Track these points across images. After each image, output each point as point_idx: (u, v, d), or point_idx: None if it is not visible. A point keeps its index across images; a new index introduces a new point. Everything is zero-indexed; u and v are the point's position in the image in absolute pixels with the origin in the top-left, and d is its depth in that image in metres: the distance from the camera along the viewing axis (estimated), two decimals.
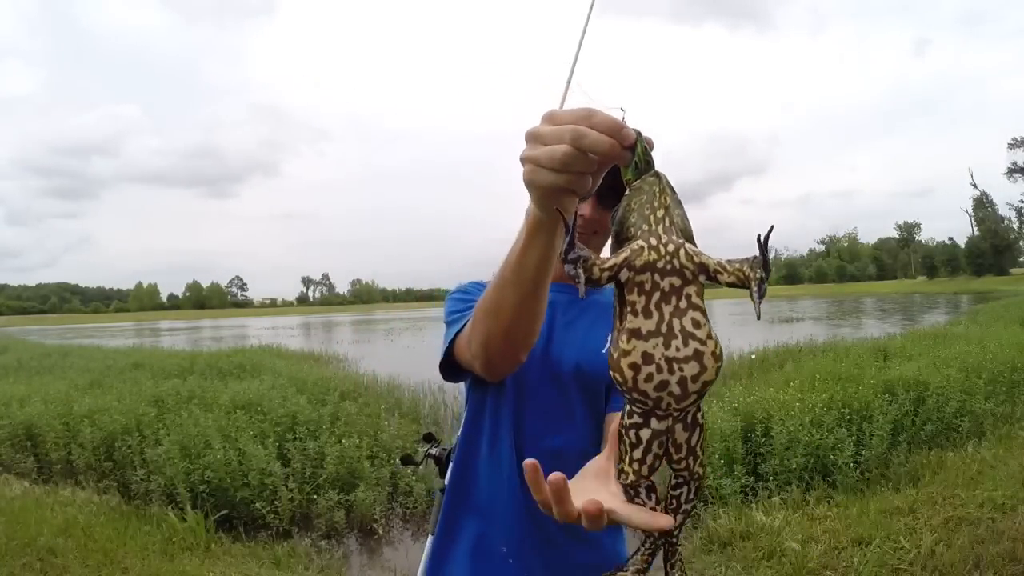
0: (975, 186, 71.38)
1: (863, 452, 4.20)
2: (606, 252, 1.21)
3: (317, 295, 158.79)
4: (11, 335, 28.30)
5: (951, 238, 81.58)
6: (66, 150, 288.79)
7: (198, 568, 3.30)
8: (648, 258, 0.49)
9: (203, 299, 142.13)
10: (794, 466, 4.08)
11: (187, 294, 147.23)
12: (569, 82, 1.46)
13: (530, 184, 0.59)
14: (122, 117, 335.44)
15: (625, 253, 0.50)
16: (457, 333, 1.01)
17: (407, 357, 15.34)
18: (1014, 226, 68.82)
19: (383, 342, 21.83)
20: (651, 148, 0.54)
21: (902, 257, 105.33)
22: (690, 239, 0.51)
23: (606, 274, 0.50)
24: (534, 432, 1.09)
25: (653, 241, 0.50)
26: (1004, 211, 69.36)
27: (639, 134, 0.53)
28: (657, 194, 0.51)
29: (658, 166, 0.54)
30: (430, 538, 1.20)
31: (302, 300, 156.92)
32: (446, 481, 1.19)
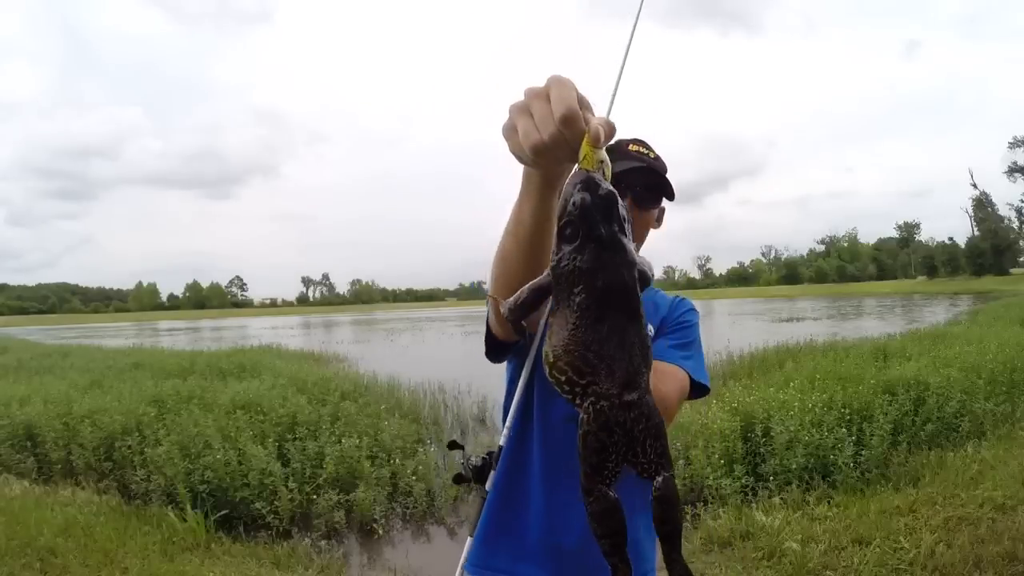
0: (975, 186, 71.34)
1: (863, 452, 4.20)
2: (643, 249, 1.21)
3: (317, 295, 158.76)
4: (11, 335, 28.27)
5: (951, 238, 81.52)
6: (68, 152, 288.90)
7: (198, 568, 3.30)
8: None
9: (203, 299, 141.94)
10: (794, 466, 4.07)
11: (187, 294, 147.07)
12: (616, 91, 1.44)
13: (518, 156, 0.62)
14: (123, 120, 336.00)
15: None
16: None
17: (407, 357, 15.34)
18: (1014, 226, 68.77)
19: (383, 342, 21.81)
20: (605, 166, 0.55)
21: (902, 257, 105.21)
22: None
23: None
24: (542, 400, 1.08)
25: None
26: (1004, 211, 69.40)
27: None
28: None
29: None
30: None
31: (302, 300, 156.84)
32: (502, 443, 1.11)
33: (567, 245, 0.51)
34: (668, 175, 1.19)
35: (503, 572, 1.09)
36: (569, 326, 0.50)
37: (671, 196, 1.16)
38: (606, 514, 0.51)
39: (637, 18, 1.39)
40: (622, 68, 1.36)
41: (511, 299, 0.57)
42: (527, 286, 0.55)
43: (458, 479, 1.22)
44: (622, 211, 0.52)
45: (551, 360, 0.52)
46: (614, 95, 1.38)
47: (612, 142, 1.13)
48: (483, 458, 1.17)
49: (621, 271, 0.50)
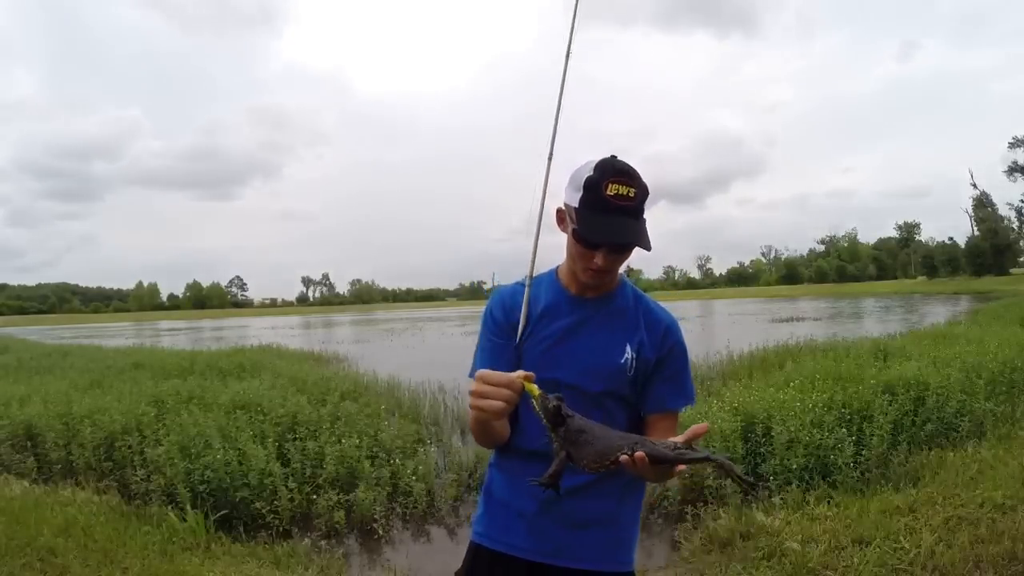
0: (975, 186, 71.08)
1: (863, 452, 4.20)
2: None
3: (317, 295, 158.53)
4: (11, 335, 28.27)
5: (951, 238, 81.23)
6: (68, 152, 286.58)
7: (198, 568, 3.30)
8: None
9: (203, 299, 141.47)
10: (794, 466, 4.08)
11: (187, 294, 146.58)
12: (562, 86, 1.46)
13: (483, 422, 1.17)
14: (124, 120, 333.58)
15: None
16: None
17: (407, 357, 15.33)
18: (1014, 226, 68.58)
19: (383, 342, 21.81)
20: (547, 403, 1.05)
21: (902, 257, 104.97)
22: None
23: None
24: (530, 435, 1.23)
25: None
26: (1004, 211, 69.16)
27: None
28: None
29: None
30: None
31: (302, 300, 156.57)
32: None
33: (560, 428, 1.03)
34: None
35: (486, 538, 1.34)
36: (582, 450, 1.03)
37: (646, 247, 1.17)
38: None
39: (573, 20, 1.43)
40: (564, 73, 1.38)
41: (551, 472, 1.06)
42: (561, 462, 1.05)
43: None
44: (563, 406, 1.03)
45: (591, 467, 1.02)
46: (559, 104, 1.40)
47: (592, 172, 1.19)
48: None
49: (576, 426, 1.03)
